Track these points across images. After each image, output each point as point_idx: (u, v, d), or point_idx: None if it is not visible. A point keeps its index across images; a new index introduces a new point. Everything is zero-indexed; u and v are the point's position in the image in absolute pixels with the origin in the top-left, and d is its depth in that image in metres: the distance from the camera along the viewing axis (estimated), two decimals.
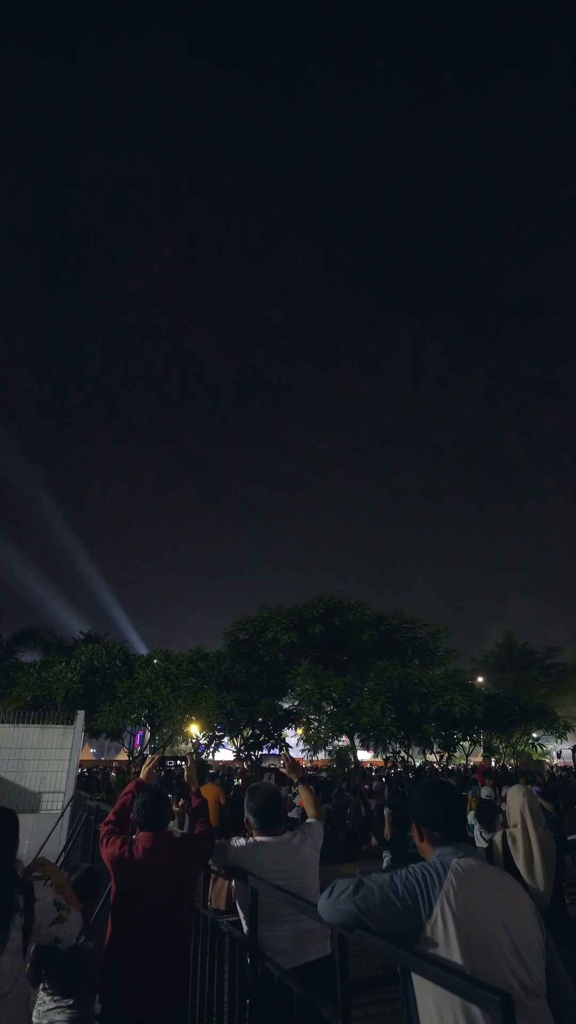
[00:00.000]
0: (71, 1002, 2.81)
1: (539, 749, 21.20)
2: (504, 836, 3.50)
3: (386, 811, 7.08)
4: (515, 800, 3.54)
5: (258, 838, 2.67)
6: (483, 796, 11.10)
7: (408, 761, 21.86)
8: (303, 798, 3.14)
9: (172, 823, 6.58)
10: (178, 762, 22.37)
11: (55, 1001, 2.79)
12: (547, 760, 27.97)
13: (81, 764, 13.71)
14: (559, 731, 21.93)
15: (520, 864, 3.32)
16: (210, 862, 2.75)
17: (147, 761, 3.14)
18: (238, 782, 19.25)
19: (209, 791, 9.83)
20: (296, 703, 19.38)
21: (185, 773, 3.22)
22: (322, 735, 18.02)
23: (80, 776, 13.71)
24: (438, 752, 20.96)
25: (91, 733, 18.53)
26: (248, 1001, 2.30)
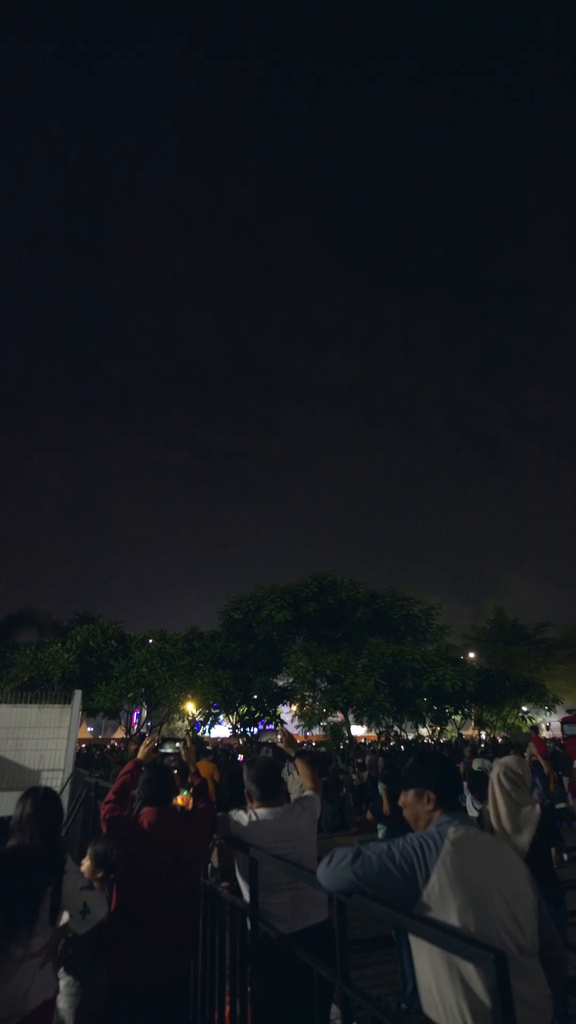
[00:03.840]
0: (76, 975, 2.88)
1: (528, 722, 21.62)
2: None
3: (381, 787, 7.13)
4: (494, 770, 3.70)
5: (258, 811, 2.74)
6: (475, 768, 11.31)
7: (401, 735, 22.23)
8: (300, 771, 3.20)
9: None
10: (176, 744, 22.50)
11: (60, 975, 2.86)
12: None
13: (80, 742, 13.85)
14: (548, 704, 22.35)
15: (499, 828, 3.43)
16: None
17: (145, 741, 3.18)
18: (240, 757, 19.52)
19: (204, 768, 9.97)
20: (291, 680, 19.58)
21: (183, 753, 3.25)
22: (316, 711, 18.25)
23: (78, 754, 13.86)
24: (431, 726, 21.33)
25: (88, 712, 18.69)
26: (249, 967, 2.39)
